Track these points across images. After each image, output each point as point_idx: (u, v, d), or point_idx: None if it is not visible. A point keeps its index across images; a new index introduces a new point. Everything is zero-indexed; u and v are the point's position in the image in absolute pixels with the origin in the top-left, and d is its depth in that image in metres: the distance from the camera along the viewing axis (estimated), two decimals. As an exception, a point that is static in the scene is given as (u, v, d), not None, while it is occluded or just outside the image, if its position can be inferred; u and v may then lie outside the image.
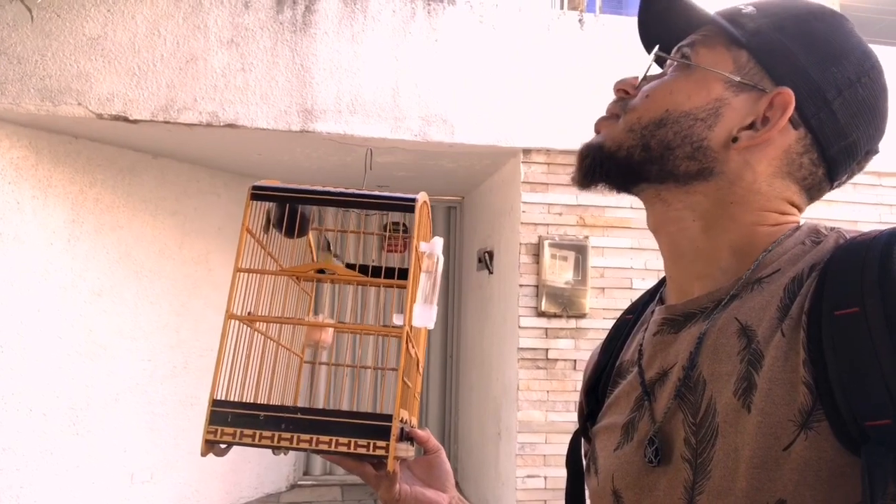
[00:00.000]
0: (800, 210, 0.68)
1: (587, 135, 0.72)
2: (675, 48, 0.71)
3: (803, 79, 0.64)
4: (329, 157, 4.36)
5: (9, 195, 3.65)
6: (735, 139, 0.65)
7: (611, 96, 0.74)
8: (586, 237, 4.05)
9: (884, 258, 0.53)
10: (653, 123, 0.67)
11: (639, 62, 0.73)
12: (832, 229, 0.63)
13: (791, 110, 0.64)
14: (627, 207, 4.08)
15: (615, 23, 4.22)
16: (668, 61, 0.72)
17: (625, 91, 0.72)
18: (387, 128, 3.87)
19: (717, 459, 0.58)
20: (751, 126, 0.65)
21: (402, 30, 3.98)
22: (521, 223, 4.02)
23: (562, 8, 4.75)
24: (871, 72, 0.65)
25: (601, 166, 0.70)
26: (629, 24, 4.23)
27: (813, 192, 0.68)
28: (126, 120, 3.61)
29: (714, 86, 0.66)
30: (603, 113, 0.74)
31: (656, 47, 0.71)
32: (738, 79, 0.66)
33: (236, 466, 4.85)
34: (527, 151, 4.05)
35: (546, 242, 3.99)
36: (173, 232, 4.47)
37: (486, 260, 4.80)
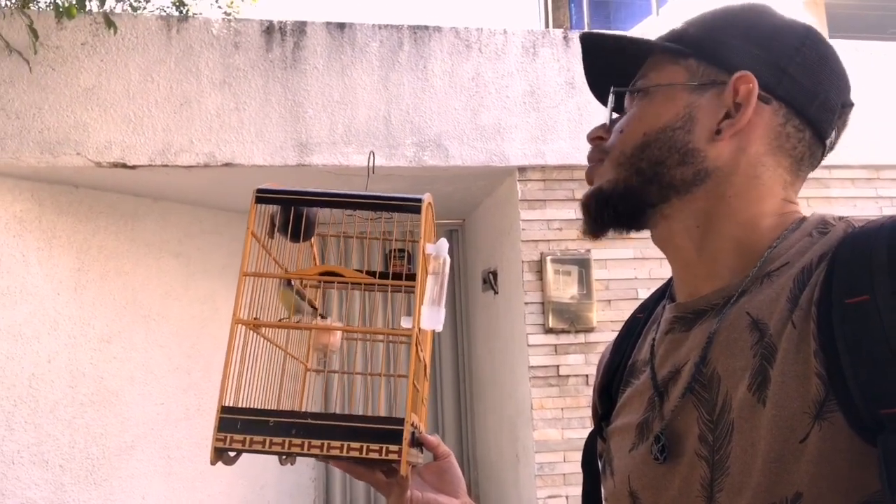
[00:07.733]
0: (796, 193, 0.69)
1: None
2: (630, 85, 0.74)
3: (753, 59, 0.67)
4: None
5: (14, 248, 3.68)
6: (718, 132, 0.66)
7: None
8: (588, 251, 4.04)
9: (892, 245, 0.53)
10: (636, 149, 0.69)
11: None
12: (840, 219, 0.63)
13: (756, 88, 0.66)
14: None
15: (600, 37, 4.26)
16: (629, 100, 0.74)
17: (599, 138, 0.75)
18: (382, 156, 3.91)
19: (734, 456, 0.58)
20: (726, 117, 0.67)
21: (390, 59, 4.03)
22: (522, 241, 4.02)
23: (547, 26, 4.81)
24: (808, 36, 0.68)
25: (606, 206, 0.71)
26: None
27: (805, 162, 0.69)
28: (125, 166, 3.65)
29: (678, 97, 0.69)
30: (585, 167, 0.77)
31: (612, 88, 0.74)
32: (696, 83, 0.68)
33: (255, 506, 4.81)
34: (522, 170, 4.07)
35: (548, 258, 3.99)
36: (178, 274, 4.48)
37: (490, 280, 4.79)
